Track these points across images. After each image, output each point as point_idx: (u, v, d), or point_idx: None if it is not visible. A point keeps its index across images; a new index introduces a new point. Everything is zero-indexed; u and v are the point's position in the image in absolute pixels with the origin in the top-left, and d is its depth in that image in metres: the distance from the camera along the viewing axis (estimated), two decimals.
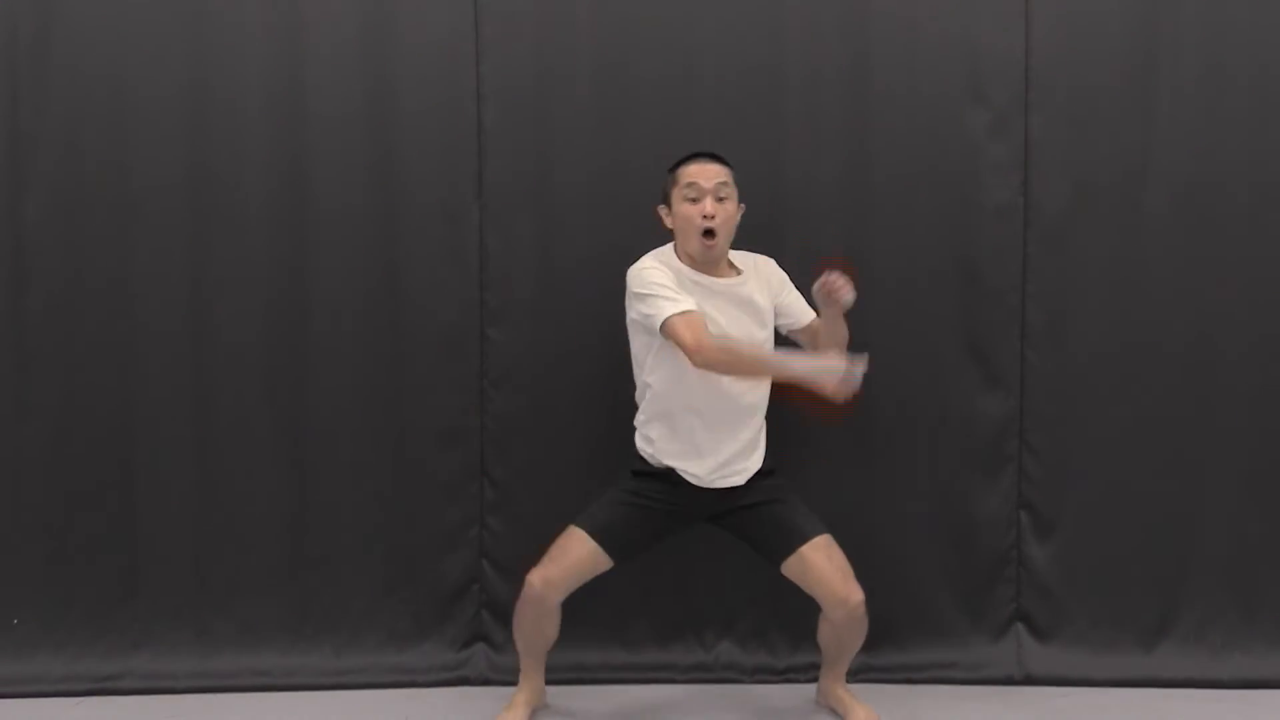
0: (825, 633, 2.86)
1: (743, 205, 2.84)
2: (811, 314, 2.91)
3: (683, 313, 2.64)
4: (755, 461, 2.83)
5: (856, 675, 3.15)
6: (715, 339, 2.66)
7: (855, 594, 2.73)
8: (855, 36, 3.12)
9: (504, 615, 3.20)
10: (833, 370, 2.56)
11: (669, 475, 2.81)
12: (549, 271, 3.16)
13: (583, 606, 3.19)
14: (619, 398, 3.15)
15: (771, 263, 2.95)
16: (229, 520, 3.17)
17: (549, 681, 3.04)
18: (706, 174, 2.78)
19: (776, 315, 2.91)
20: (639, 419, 2.88)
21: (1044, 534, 3.20)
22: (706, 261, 2.79)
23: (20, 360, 3.13)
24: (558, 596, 2.81)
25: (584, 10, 3.13)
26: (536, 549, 3.16)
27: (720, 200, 2.77)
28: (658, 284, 2.70)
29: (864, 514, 3.16)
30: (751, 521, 2.83)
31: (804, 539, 2.76)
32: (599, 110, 3.13)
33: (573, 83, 3.14)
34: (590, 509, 2.85)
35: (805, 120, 3.12)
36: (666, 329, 2.66)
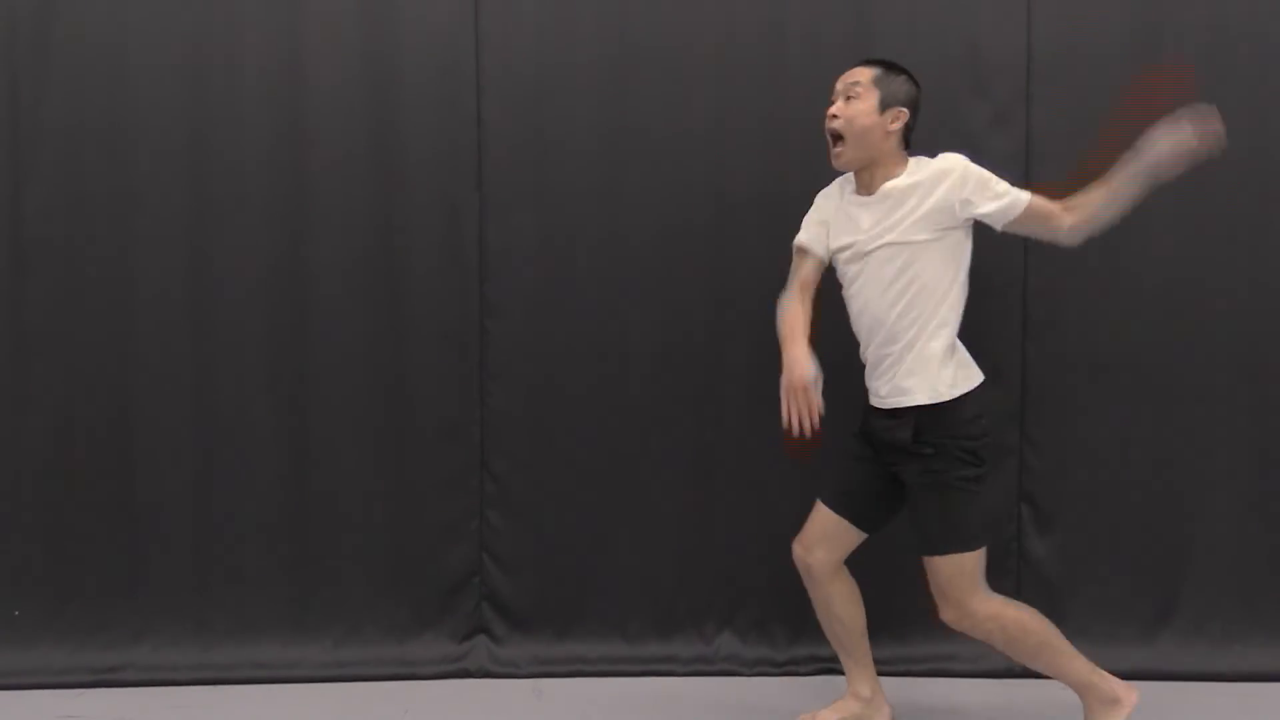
0: None
1: (902, 110, 2.60)
2: (1025, 194, 2.57)
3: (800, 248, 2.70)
4: (888, 390, 2.58)
5: None
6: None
7: (944, 614, 2.58)
8: (856, 31, 3.11)
9: (504, 608, 3.21)
10: (1183, 140, 2.40)
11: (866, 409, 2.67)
12: (548, 264, 3.16)
13: (584, 600, 3.21)
14: (619, 391, 3.16)
15: (952, 158, 2.60)
16: (229, 513, 3.18)
17: (551, 675, 3.06)
18: (844, 77, 2.62)
19: (970, 215, 2.56)
20: None
21: (1044, 527, 3.20)
22: (851, 172, 2.64)
23: (20, 352, 3.14)
24: (819, 562, 2.69)
25: (583, 3, 3.12)
26: (536, 542, 3.19)
27: (848, 100, 2.59)
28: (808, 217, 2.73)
29: None
30: (910, 500, 2.64)
31: (922, 554, 2.59)
32: (598, 103, 3.13)
33: (572, 75, 3.13)
34: None
35: (806, 115, 3.10)
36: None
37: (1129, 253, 3.14)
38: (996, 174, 3.13)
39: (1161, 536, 3.19)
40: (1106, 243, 3.14)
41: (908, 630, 3.19)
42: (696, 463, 3.20)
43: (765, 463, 3.17)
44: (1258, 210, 3.13)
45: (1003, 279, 3.15)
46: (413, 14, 3.11)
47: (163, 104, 3.11)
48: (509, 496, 3.21)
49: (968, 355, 2.64)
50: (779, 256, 2.99)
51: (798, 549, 2.75)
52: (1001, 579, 3.22)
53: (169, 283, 3.14)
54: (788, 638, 3.20)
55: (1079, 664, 2.60)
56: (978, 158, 3.10)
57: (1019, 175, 3.12)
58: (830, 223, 2.69)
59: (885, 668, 3.15)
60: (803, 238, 2.72)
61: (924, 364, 2.55)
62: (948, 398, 2.55)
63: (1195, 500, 3.18)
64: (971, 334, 3.14)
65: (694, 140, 3.13)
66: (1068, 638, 3.18)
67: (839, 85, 2.64)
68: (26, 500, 3.16)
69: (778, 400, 3.05)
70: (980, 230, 3.13)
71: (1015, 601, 2.58)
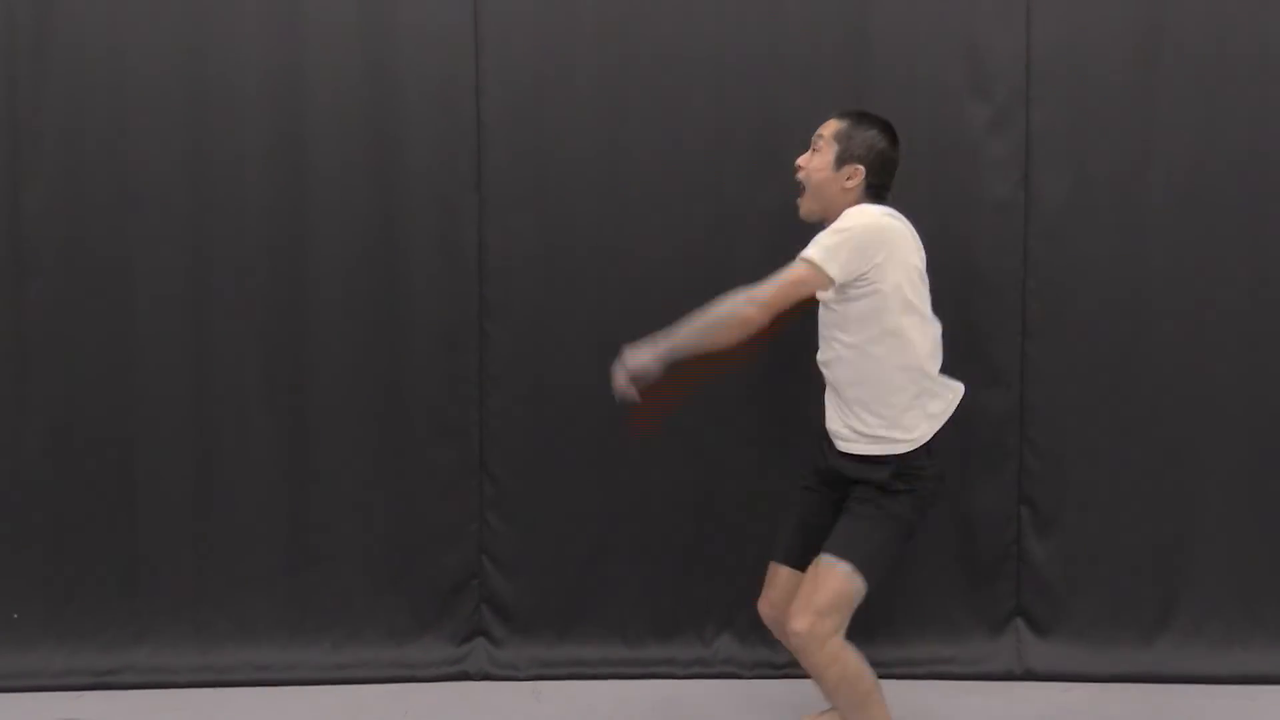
0: None
1: (857, 168, 2.54)
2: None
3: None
4: (845, 436, 2.54)
5: None
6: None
7: (796, 621, 2.43)
8: (856, 31, 3.11)
9: (503, 611, 3.21)
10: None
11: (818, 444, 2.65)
12: (547, 266, 3.16)
13: (584, 602, 3.21)
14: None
15: (847, 215, 2.48)
16: (229, 515, 3.18)
17: (550, 677, 3.06)
18: (821, 126, 2.60)
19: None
20: None
21: (1044, 529, 3.19)
22: (815, 223, 2.58)
23: (20, 354, 3.13)
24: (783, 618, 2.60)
25: (583, 6, 3.12)
26: (536, 544, 3.19)
27: (813, 152, 2.58)
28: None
29: None
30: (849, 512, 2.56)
31: (824, 550, 2.50)
32: (597, 104, 3.13)
33: (571, 76, 3.13)
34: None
35: (806, 114, 3.11)
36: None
37: (1129, 253, 3.13)
38: (996, 175, 3.14)
39: (1161, 538, 3.18)
40: (1107, 243, 3.15)
41: (906, 633, 3.19)
42: (696, 464, 3.20)
43: (766, 464, 3.17)
44: (1257, 210, 3.12)
45: (1003, 279, 3.14)
46: (413, 16, 3.11)
47: (162, 106, 3.11)
48: (508, 499, 3.21)
49: (938, 402, 2.56)
50: (777, 256, 2.98)
51: (769, 611, 2.67)
52: (1001, 581, 3.22)
53: (169, 284, 3.14)
54: None
55: (884, 712, 2.53)
56: (977, 158, 3.13)
57: (1019, 175, 3.12)
58: None
59: (884, 670, 3.14)
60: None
61: (889, 415, 2.49)
62: (915, 445, 2.51)
63: (1195, 501, 3.17)
64: (972, 334, 3.16)
65: (693, 142, 3.13)
66: (1067, 639, 3.21)
67: (814, 135, 2.63)
68: (26, 501, 3.16)
69: (777, 402, 3.06)
70: (979, 229, 3.14)
71: (856, 649, 2.49)
